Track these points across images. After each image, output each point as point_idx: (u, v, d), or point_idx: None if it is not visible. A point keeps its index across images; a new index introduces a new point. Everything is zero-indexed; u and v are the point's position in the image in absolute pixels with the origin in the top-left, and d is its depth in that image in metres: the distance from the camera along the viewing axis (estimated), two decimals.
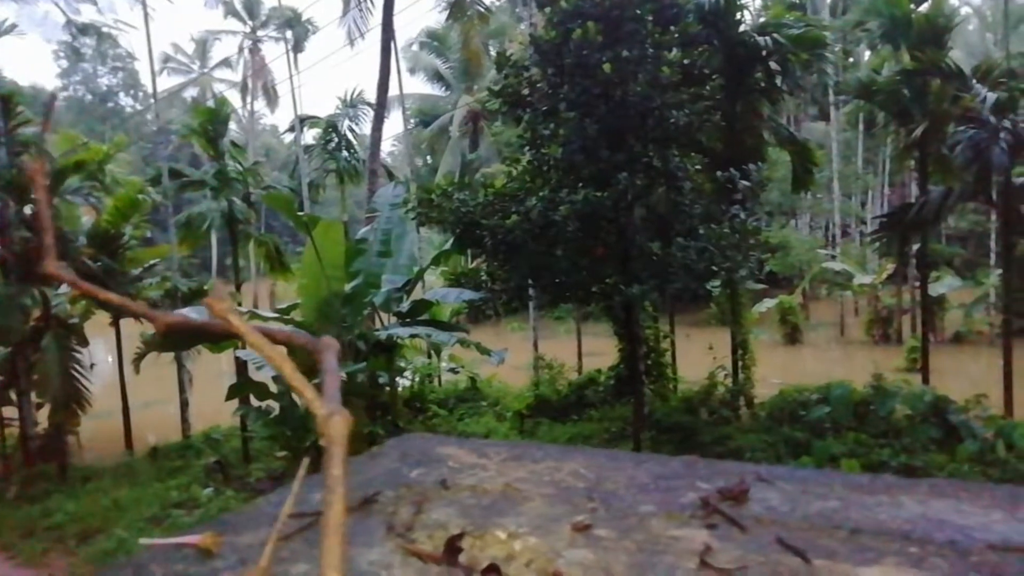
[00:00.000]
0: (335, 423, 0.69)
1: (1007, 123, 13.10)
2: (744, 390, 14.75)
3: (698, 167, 12.77)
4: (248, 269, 29.44)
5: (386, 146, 59.83)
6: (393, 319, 11.22)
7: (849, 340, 27.60)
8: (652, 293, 12.06)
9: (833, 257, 29.07)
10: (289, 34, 34.11)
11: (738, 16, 14.90)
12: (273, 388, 10.06)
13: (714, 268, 12.09)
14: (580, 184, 11.79)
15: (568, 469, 1.22)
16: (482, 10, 26.27)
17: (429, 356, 18.21)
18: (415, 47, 39.36)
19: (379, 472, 1.24)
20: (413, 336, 10.81)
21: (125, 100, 66.98)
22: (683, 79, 12.48)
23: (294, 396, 9.26)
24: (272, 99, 46.73)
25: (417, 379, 17.41)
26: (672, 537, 0.96)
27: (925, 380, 14.98)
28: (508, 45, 27.73)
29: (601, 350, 18.26)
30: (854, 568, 0.86)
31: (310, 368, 0.77)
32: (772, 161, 22.62)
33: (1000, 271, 20.36)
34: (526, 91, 12.54)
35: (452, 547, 0.96)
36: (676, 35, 12.43)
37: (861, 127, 31.05)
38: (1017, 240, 16.16)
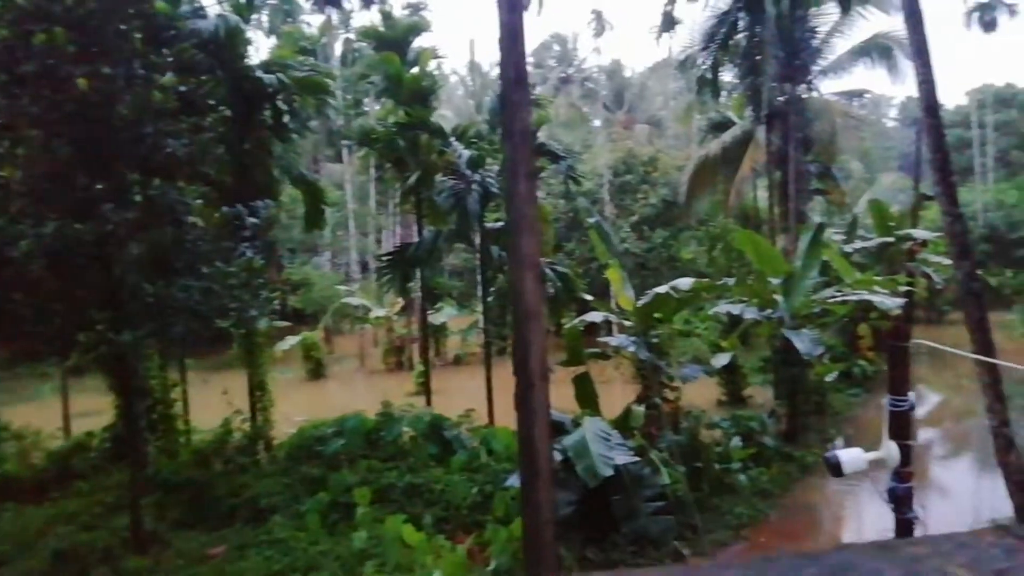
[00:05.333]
0: None
1: (478, 177, 15.47)
2: (263, 433, 14.31)
3: (200, 200, 12.00)
4: None
5: None
6: None
7: (370, 370, 29.46)
8: (149, 339, 10.85)
9: (352, 293, 30.83)
10: None
11: (245, 50, 14.68)
12: None
13: (225, 308, 11.47)
14: (53, 215, 9.99)
15: None
16: None
17: None
18: None
19: None
20: None
21: None
22: (183, 107, 11.66)
23: None
24: None
25: None
26: None
27: (428, 402, 16.64)
28: None
29: (100, 408, 15.81)
30: None
31: None
32: (295, 199, 22.92)
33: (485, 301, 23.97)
34: None
35: None
36: (171, 59, 11.56)
37: (373, 171, 33.74)
38: (494, 275, 19.17)
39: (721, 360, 17.50)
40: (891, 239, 24.88)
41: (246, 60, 14.34)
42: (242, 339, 14.79)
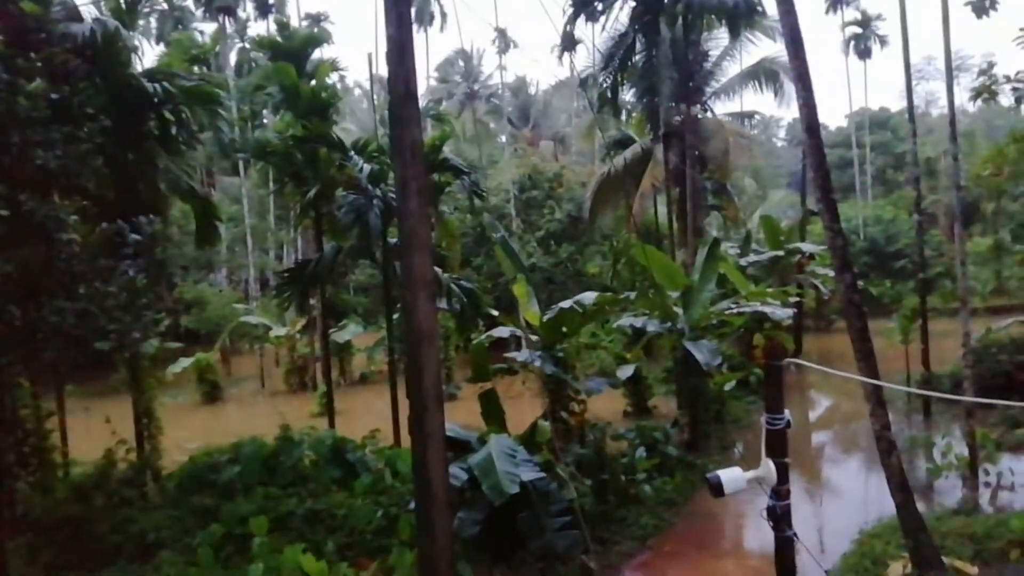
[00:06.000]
0: None
1: (379, 191, 15.15)
2: (150, 463, 13.42)
3: (76, 216, 11.19)
4: None
5: None
6: None
7: (271, 392, 28.31)
8: (15, 366, 9.97)
9: (251, 311, 29.60)
10: None
11: (127, 57, 13.87)
12: None
13: (103, 331, 10.69)
14: None
15: None
16: None
17: None
18: None
19: None
20: None
21: None
22: (56, 115, 10.86)
23: None
24: None
25: None
26: None
27: (331, 423, 16.08)
28: None
29: None
30: None
31: None
32: (188, 213, 21.80)
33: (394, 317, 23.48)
34: None
35: None
36: (41, 64, 10.76)
37: (272, 185, 32.62)
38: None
39: (625, 372, 17.81)
40: (781, 253, 26.13)
41: (129, 67, 13.53)
42: (126, 363, 13.85)
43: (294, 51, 17.04)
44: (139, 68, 14.95)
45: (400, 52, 5.19)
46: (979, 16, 11.63)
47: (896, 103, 69.29)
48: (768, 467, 3.80)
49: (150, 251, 12.01)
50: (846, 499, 14.71)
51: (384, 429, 15.16)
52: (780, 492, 3.79)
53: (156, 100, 13.28)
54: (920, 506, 10.13)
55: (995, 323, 19.52)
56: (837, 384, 23.84)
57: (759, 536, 12.94)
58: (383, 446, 14.44)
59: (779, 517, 3.81)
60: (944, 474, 14.08)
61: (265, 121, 35.33)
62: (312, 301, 20.61)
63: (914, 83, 19.32)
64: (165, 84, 13.08)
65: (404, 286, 4.75)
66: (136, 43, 16.05)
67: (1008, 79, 11.52)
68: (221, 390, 26.80)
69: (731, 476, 3.71)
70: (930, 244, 31.23)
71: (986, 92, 11.72)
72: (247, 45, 34.09)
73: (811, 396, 24.20)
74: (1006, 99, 11.85)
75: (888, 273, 39.33)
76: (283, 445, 13.26)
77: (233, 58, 34.65)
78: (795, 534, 3.87)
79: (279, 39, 17.52)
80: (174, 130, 13.99)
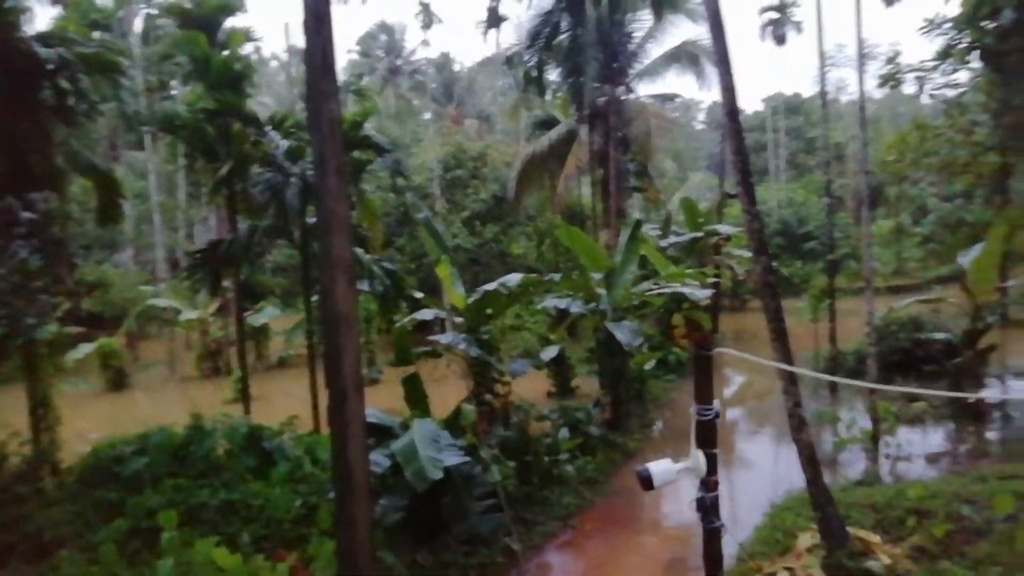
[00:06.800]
0: None
1: (297, 169, 14.59)
2: (47, 456, 12.60)
3: None
4: None
5: None
6: None
7: (182, 378, 27.12)
8: None
9: (160, 293, 28.22)
10: None
11: (15, 19, 12.79)
12: None
13: None
14: None
15: None
16: None
17: None
18: None
19: None
20: None
21: None
22: None
23: None
24: None
25: None
26: None
27: (246, 410, 15.52)
28: None
29: None
30: None
31: None
32: (89, 190, 20.49)
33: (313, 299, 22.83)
34: None
35: None
36: None
37: (181, 160, 31.07)
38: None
39: (549, 353, 17.88)
40: (700, 234, 26.76)
41: (18, 30, 12.48)
42: (19, 350, 12.91)
43: (205, 19, 16.14)
44: (31, 31, 13.83)
45: (317, 22, 4.90)
46: (888, 5, 12.08)
47: (808, 89, 72.04)
48: (698, 458, 3.80)
49: (45, 230, 11.22)
50: (758, 473, 15.28)
51: (303, 415, 14.74)
52: (709, 483, 3.80)
53: (51, 67, 12.30)
54: (827, 478, 10.57)
55: (896, 302, 20.57)
56: (751, 363, 24.69)
57: (677, 511, 13.29)
58: (302, 433, 14.03)
59: (708, 508, 3.81)
60: (848, 447, 14.79)
61: (174, 93, 33.47)
62: (226, 283, 19.77)
63: (825, 70, 20.02)
64: (61, 50, 12.13)
65: (322, 267, 4.51)
66: (27, 4, 14.78)
67: (912, 67, 11.99)
68: (127, 377, 25.48)
69: (661, 469, 3.69)
70: (838, 226, 32.63)
71: (892, 80, 12.22)
72: (154, 11, 32.17)
73: (726, 374, 25.02)
74: (910, 87, 12.38)
75: (799, 254, 40.95)
76: (194, 434, 12.68)
77: (139, 24, 32.66)
78: (723, 525, 3.89)
79: (188, 5, 16.54)
80: (72, 100, 13.02)
